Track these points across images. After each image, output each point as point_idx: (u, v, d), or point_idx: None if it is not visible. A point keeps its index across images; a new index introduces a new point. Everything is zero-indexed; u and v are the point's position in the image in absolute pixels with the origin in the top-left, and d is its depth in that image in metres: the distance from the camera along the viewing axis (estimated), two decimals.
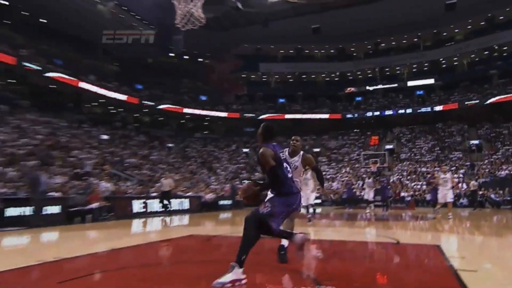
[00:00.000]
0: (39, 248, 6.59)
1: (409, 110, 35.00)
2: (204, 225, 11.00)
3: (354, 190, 24.44)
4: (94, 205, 11.41)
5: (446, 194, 11.19)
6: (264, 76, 40.41)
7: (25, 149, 16.24)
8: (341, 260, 4.72)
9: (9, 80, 24.35)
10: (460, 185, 21.80)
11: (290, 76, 40.60)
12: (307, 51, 39.84)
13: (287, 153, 4.42)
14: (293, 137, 4.65)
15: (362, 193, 16.87)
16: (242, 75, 39.29)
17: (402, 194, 24.15)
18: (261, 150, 3.29)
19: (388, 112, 35.73)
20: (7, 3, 22.33)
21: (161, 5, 24.85)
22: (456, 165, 26.99)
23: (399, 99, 37.30)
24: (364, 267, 4.26)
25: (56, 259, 4.46)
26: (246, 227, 3.05)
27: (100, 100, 29.62)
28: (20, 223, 9.19)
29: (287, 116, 36.91)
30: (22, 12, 25.33)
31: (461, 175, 24.85)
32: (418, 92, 37.04)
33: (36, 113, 22.43)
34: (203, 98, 37.30)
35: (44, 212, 10.17)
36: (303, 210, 13.12)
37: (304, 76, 40.63)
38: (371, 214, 13.72)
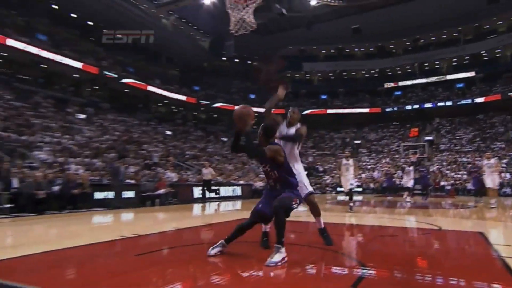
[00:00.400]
0: (120, 226, 7.09)
1: (448, 103, 32.47)
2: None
3: (394, 179, 23.34)
4: (162, 191, 12.03)
5: (493, 178, 10.28)
6: (307, 75, 39.71)
7: (106, 144, 17.51)
8: (383, 244, 4.51)
9: (94, 87, 26.31)
10: (503, 174, 19.90)
11: (331, 74, 39.47)
12: (348, 50, 38.39)
13: (285, 124, 4.02)
14: (290, 108, 4.08)
15: (402, 182, 16.01)
16: (287, 74, 38.95)
17: (442, 183, 22.58)
18: (271, 147, 3.24)
19: (428, 105, 33.43)
20: (91, 23, 24.16)
21: (215, 16, 25.29)
22: (499, 155, 24.60)
23: (438, 92, 34.68)
24: (407, 251, 4.05)
25: (134, 235, 4.77)
26: (279, 216, 3.06)
27: (164, 101, 31.02)
28: (104, 204, 9.96)
29: (329, 111, 36.17)
30: (103, 30, 27.17)
31: (503, 165, 22.64)
32: (458, 85, 34.14)
33: (115, 114, 24.08)
34: (252, 96, 37.57)
35: (122, 196, 10.95)
36: (343, 197, 12.70)
37: (344, 73, 39.26)
38: (411, 201, 12.98)
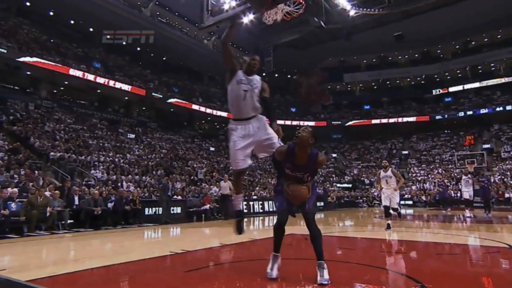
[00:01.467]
0: (170, 241, 7.32)
1: (509, 107, 29.76)
2: (301, 225, 10.89)
3: (449, 192, 21.66)
4: (207, 206, 12.29)
5: None
6: (348, 86, 38.87)
7: (154, 161, 18.40)
8: (443, 263, 4.16)
9: (142, 108, 28.04)
10: None
11: (374, 83, 38.24)
12: (390, 58, 36.93)
13: (241, 75, 3.44)
14: (255, 56, 3.62)
15: (458, 194, 14.74)
16: (328, 86, 38.47)
17: (507, 195, 20.47)
18: (323, 156, 3.31)
19: (483, 111, 30.91)
20: (139, 48, 25.91)
21: (253, 33, 25.89)
22: None
23: (496, 96, 32.01)
24: (472, 271, 3.69)
25: (182, 251, 4.90)
26: (314, 230, 3.14)
27: (207, 118, 32.07)
28: (153, 220, 10.38)
29: (374, 121, 34.97)
30: (151, 54, 29.14)
31: None
32: None
33: (161, 132, 25.33)
34: (293, 110, 37.56)
35: (170, 212, 11.33)
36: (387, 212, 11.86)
37: (388, 82, 37.77)
38: (471, 215, 11.87)
